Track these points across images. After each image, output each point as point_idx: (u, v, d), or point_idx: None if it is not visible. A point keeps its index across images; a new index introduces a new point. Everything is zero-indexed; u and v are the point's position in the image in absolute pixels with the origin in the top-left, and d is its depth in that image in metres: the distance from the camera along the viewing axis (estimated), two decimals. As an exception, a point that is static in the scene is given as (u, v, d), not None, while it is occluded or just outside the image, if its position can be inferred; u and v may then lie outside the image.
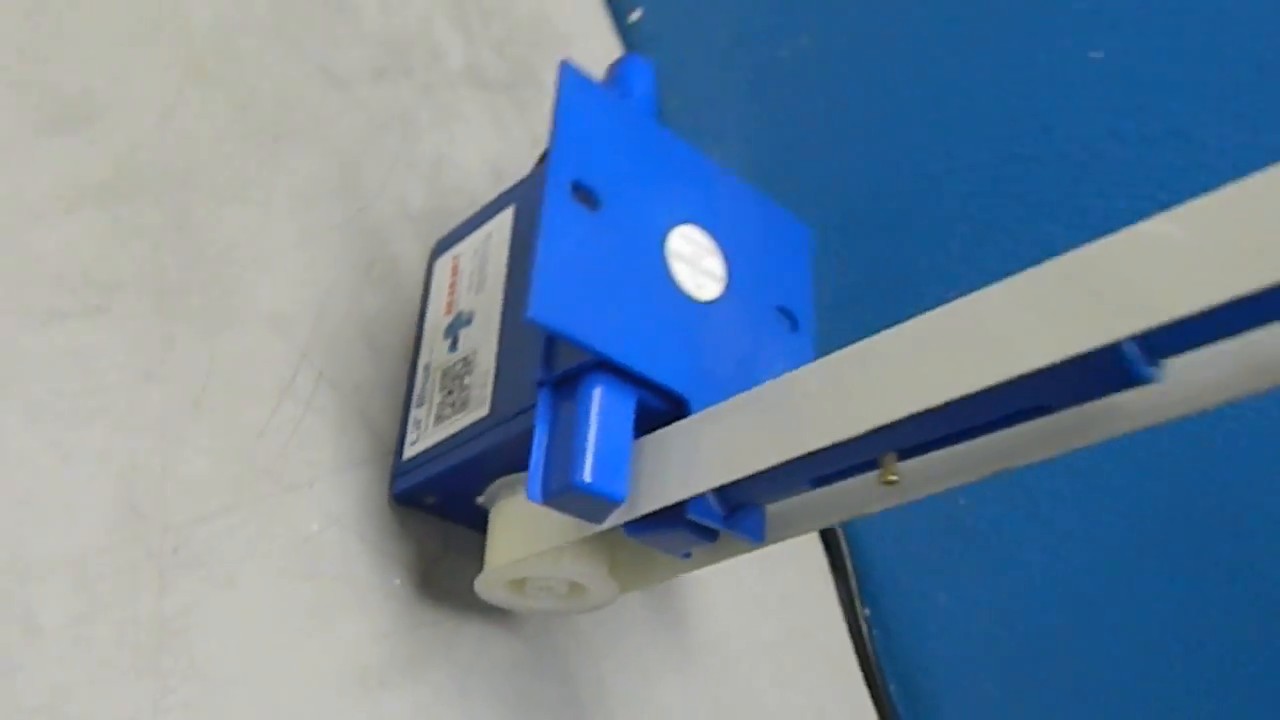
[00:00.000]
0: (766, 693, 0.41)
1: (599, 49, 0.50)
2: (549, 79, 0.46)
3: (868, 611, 0.46)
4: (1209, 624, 0.38)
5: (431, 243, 0.37)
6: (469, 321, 0.32)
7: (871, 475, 0.23)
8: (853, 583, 0.46)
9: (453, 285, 0.34)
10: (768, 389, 0.24)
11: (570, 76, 0.27)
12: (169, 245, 0.30)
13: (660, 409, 0.27)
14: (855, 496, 0.24)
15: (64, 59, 0.30)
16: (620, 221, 0.27)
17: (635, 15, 0.51)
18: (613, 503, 0.25)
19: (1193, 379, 0.20)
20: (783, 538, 0.27)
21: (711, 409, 0.26)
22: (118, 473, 0.26)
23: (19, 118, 0.28)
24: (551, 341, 0.26)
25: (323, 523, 0.30)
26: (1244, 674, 0.37)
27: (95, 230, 0.29)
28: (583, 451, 0.24)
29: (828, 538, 0.47)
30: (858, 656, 0.46)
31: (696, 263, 0.28)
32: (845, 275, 0.43)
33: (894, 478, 0.22)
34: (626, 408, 0.26)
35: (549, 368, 0.26)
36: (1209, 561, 0.38)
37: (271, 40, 0.36)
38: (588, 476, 0.24)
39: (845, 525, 0.47)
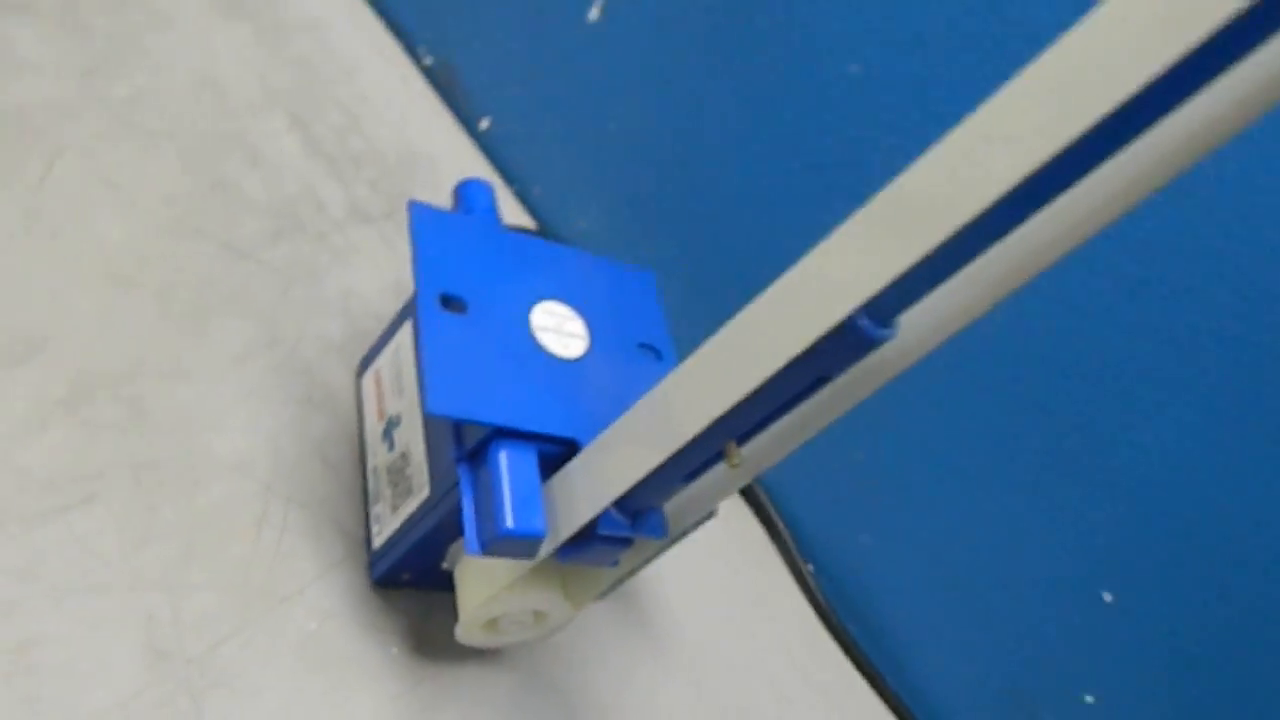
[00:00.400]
0: (739, 658, 0.45)
1: (460, 160, 0.54)
2: (421, 196, 0.51)
3: (810, 567, 0.51)
4: (1085, 523, 0.43)
5: (355, 364, 0.41)
6: (398, 423, 0.36)
7: (723, 463, 0.27)
8: (790, 545, 0.50)
9: (379, 396, 0.38)
10: (633, 412, 0.29)
11: (418, 211, 0.32)
12: (133, 430, 0.34)
13: (559, 453, 0.31)
14: (718, 483, 0.29)
15: (6, 304, 0.34)
16: (487, 315, 0.31)
17: (484, 124, 0.55)
18: (537, 539, 0.29)
19: (925, 322, 0.25)
20: (684, 530, 0.32)
21: (596, 440, 0.30)
22: (138, 626, 0.30)
23: (-17, 362, 0.32)
24: (457, 425, 0.31)
25: (320, 620, 0.34)
26: (1144, 569, 0.42)
27: (69, 435, 0.32)
28: (501, 504, 0.29)
29: (759, 509, 0.51)
30: (814, 608, 0.50)
31: (560, 329, 0.33)
32: (706, 295, 0.48)
33: (737, 461, 0.27)
34: (530, 461, 0.30)
35: (460, 446, 0.30)
36: (1073, 472, 0.43)
37: (177, 235, 0.40)
38: (510, 523, 0.28)
39: (771, 495, 0.51)
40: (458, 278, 0.31)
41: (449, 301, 0.31)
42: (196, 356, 0.37)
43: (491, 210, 0.36)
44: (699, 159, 0.48)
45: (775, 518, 0.51)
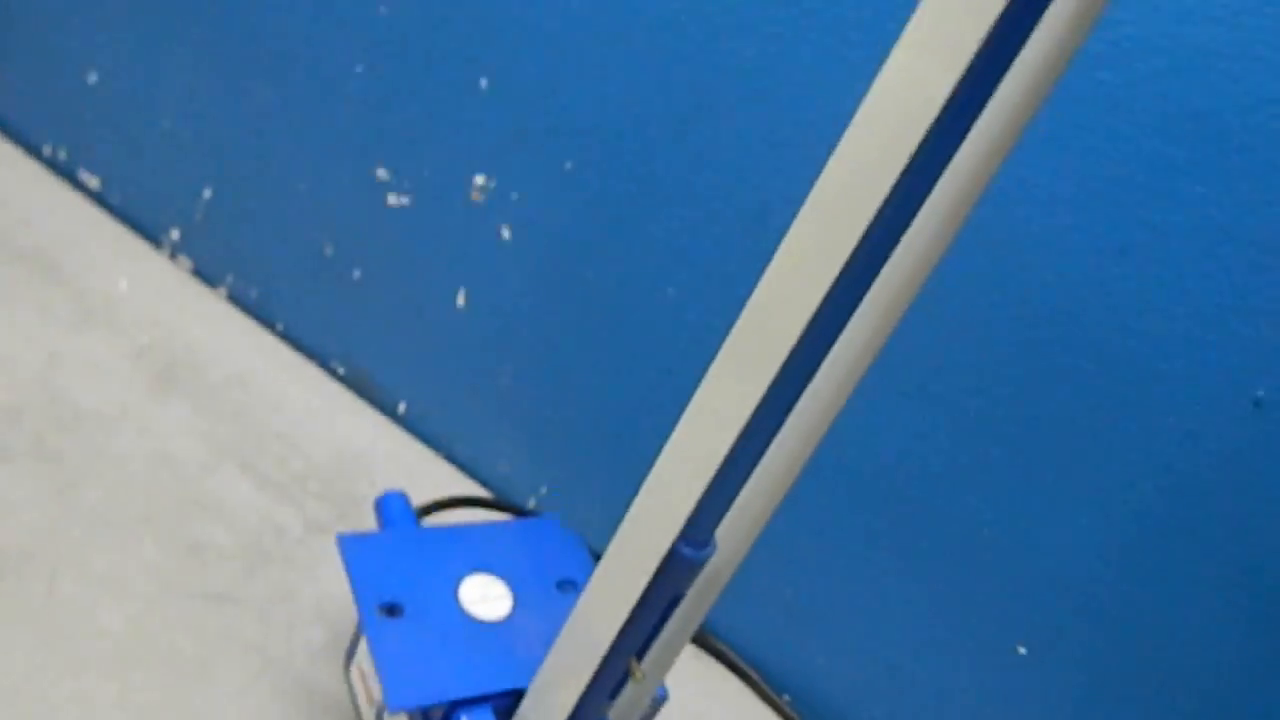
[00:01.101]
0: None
1: (388, 445, 0.60)
2: (366, 490, 0.57)
3: (787, 697, 0.55)
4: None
5: (342, 657, 0.46)
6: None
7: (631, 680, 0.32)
8: (762, 684, 0.54)
9: (365, 685, 0.43)
10: (551, 655, 0.34)
11: (345, 542, 0.37)
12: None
13: (510, 702, 0.36)
14: (636, 693, 0.34)
15: (40, 714, 0.39)
16: (423, 610, 0.36)
17: (401, 408, 0.62)
18: (509, 782, 0.33)
19: (737, 531, 0.31)
20: (633, 728, 0.36)
21: (532, 683, 0.35)
22: None
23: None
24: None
25: None
26: (1044, 625, 0.47)
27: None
28: (472, 764, 0.33)
29: (728, 663, 0.55)
30: (799, 731, 0.54)
31: (486, 597, 0.38)
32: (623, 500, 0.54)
33: (640, 675, 0.32)
34: (486, 718, 0.35)
35: (429, 723, 0.35)
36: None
37: (167, 604, 0.45)
38: (482, 778, 0.33)
39: (733, 646, 0.56)
40: (390, 587, 0.37)
41: (389, 609, 0.36)
42: (208, 700, 0.42)
43: (407, 514, 0.42)
44: (576, 389, 0.54)
45: (742, 665, 0.55)
